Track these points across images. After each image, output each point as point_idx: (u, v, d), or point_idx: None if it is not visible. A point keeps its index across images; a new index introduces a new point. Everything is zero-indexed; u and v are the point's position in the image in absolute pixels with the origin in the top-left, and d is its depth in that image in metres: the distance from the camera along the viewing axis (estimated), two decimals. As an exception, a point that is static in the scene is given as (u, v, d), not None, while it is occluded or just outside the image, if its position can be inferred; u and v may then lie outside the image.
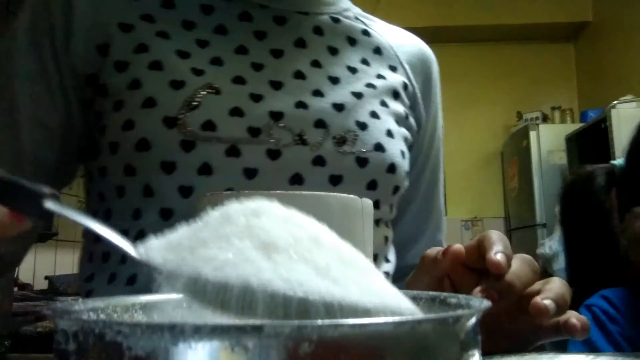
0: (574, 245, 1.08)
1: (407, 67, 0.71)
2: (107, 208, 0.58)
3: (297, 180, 0.56)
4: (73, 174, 0.65)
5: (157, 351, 0.17)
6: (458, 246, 0.43)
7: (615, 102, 2.97)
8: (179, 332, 0.16)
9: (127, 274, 0.55)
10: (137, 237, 0.54)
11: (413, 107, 0.70)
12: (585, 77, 4.19)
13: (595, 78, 3.98)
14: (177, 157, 0.53)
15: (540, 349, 0.47)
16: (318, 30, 0.65)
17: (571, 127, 3.52)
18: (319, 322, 0.16)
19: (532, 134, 3.59)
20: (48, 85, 0.58)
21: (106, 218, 0.58)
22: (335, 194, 0.37)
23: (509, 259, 0.40)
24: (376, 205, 0.61)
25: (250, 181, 0.54)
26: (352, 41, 0.67)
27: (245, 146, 0.54)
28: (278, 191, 0.36)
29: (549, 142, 3.56)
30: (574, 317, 0.43)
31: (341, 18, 0.68)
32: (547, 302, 0.39)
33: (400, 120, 0.66)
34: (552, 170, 3.53)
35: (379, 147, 0.60)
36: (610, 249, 0.91)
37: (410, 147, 0.68)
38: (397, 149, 0.62)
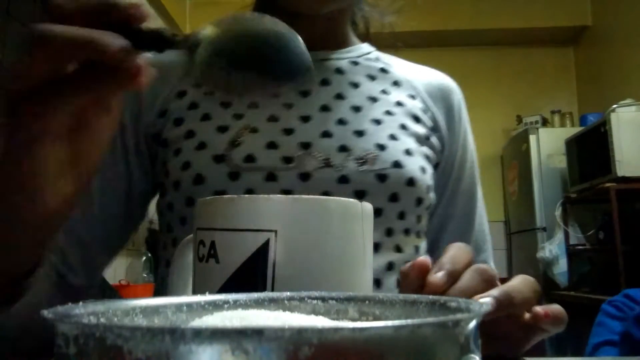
0: None
1: (425, 95, 0.77)
2: (174, 237, 0.68)
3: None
4: (139, 220, 0.76)
5: (157, 355, 0.17)
6: (423, 258, 0.43)
7: (614, 105, 2.98)
8: (180, 336, 0.16)
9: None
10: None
11: (435, 129, 0.75)
12: (584, 81, 4.20)
13: (594, 82, 3.99)
14: (226, 186, 0.63)
15: (541, 353, 0.48)
16: (339, 71, 0.75)
17: (571, 130, 3.52)
18: (319, 325, 0.16)
19: (532, 138, 3.60)
20: (114, 163, 0.70)
21: (173, 245, 0.67)
22: (335, 197, 0.37)
23: (451, 275, 0.41)
24: (402, 216, 0.68)
25: None
26: (371, 77, 0.76)
27: (280, 172, 0.64)
28: (278, 195, 0.36)
29: (548, 145, 3.57)
30: (543, 307, 0.43)
31: (360, 61, 0.77)
32: (486, 299, 0.40)
33: (421, 140, 0.72)
34: (552, 174, 3.54)
35: (397, 165, 0.67)
36: None
37: (437, 166, 0.75)
38: (416, 165, 0.68)
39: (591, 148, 3.10)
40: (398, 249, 0.67)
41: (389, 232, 0.67)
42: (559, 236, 3.30)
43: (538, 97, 4.21)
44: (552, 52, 4.31)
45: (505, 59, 4.26)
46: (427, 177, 0.70)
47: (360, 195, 0.65)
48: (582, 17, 4.05)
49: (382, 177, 0.65)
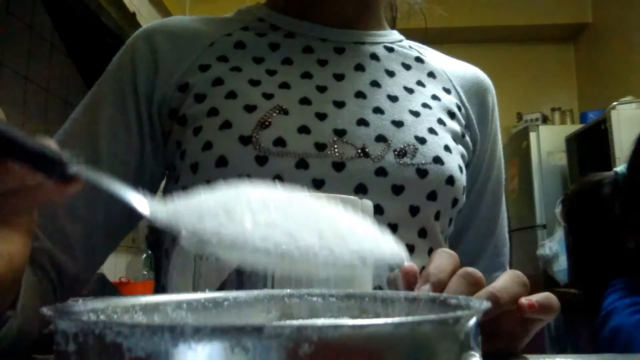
0: (580, 249, 1.10)
1: (460, 90, 0.74)
2: None
3: (361, 190, 0.60)
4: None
5: (157, 352, 0.17)
6: (410, 265, 0.42)
7: (615, 103, 2.97)
8: (179, 333, 0.16)
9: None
10: None
11: (468, 127, 0.73)
12: (585, 78, 4.20)
13: (595, 79, 3.98)
14: (252, 170, 0.58)
15: (540, 350, 0.48)
16: (374, 57, 0.72)
17: (571, 128, 3.52)
18: (319, 323, 0.16)
19: (532, 135, 3.59)
20: (127, 128, 0.65)
21: None
22: (334, 194, 0.37)
23: (438, 286, 0.41)
24: (437, 217, 0.65)
25: (318, 191, 0.58)
26: (406, 66, 0.73)
27: (312, 159, 0.60)
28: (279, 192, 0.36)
29: (549, 143, 3.56)
30: (527, 298, 0.43)
31: (395, 47, 0.74)
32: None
33: (457, 138, 0.70)
34: (552, 171, 3.53)
35: (437, 160, 0.63)
36: (615, 252, 0.94)
37: (467, 166, 0.71)
38: (455, 163, 0.66)
39: (591, 145, 3.10)
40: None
41: (423, 234, 0.63)
42: (559, 233, 3.29)
43: (538, 94, 4.20)
44: (553, 49, 4.30)
45: (505, 56, 4.25)
46: (463, 178, 0.67)
47: (398, 190, 0.61)
48: (583, 14, 4.04)
49: (422, 173, 0.62)
